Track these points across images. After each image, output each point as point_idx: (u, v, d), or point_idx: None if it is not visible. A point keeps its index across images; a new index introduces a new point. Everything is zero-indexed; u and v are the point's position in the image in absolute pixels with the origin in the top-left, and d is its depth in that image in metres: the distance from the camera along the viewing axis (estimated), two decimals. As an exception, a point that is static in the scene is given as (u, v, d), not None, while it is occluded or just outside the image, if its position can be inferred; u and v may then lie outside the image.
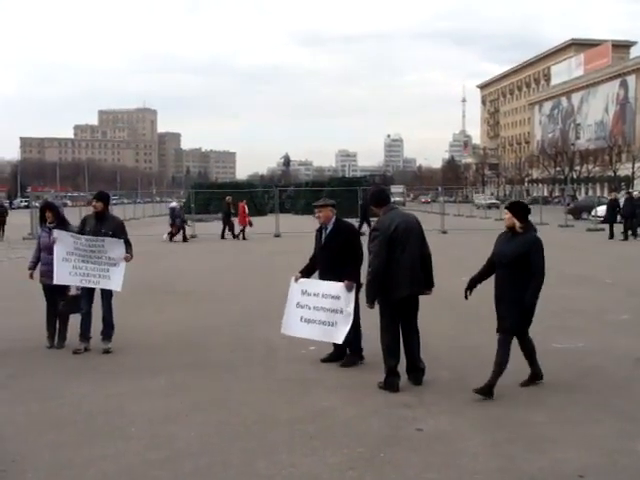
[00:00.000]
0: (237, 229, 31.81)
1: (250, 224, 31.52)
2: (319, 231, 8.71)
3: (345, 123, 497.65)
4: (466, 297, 7.55)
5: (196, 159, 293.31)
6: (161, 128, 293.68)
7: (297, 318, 8.48)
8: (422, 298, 7.75)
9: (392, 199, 8.67)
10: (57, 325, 9.66)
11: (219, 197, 51.84)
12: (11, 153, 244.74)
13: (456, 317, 11.33)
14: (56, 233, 9.41)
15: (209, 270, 19.50)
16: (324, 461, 5.56)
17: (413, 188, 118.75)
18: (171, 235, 30.55)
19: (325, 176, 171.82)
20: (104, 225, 9.34)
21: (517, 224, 7.20)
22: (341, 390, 7.54)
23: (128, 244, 9.43)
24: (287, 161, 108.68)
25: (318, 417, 6.66)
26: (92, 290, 9.44)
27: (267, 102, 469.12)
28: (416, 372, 7.71)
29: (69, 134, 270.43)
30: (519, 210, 7.27)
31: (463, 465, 5.46)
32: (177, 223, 30.70)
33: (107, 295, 9.37)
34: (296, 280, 8.61)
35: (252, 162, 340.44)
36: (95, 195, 9.73)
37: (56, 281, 9.36)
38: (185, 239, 30.82)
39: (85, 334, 9.39)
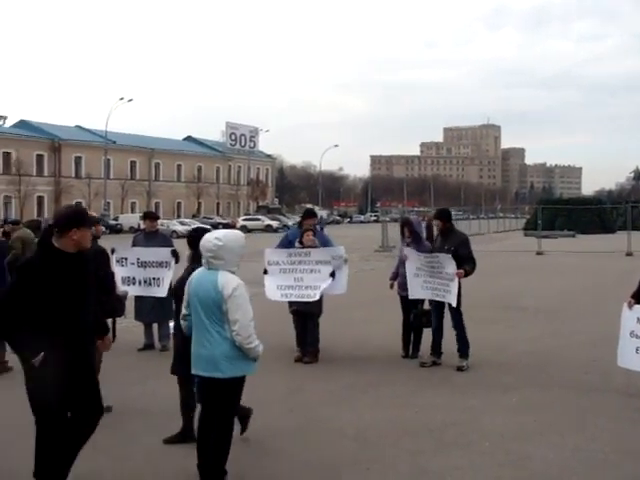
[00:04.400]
0: None
1: None
2: None
3: None
4: None
5: (540, 174, 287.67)
6: (505, 144, 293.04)
7: (632, 348, 7.66)
8: None
9: None
10: (411, 336, 10.00)
11: (564, 214, 50.76)
12: (362, 170, 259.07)
13: None
14: (406, 251, 9.81)
15: (557, 287, 18.93)
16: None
17: None
18: None
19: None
20: (448, 241, 9.48)
21: None
22: None
23: (470, 259, 9.42)
24: (638, 175, 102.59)
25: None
26: (442, 305, 9.59)
27: (616, 114, 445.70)
28: None
29: (415, 151, 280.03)
30: None
31: None
32: None
33: (455, 312, 9.47)
34: (630, 306, 7.76)
35: (598, 177, 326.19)
36: (435, 213, 9.98)
37: (411, 296, 9.75)
38: None
39: (436, 348, 9.59)
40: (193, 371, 5.35)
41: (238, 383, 5.33)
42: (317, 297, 9.54)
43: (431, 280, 9.43)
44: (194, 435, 5.88)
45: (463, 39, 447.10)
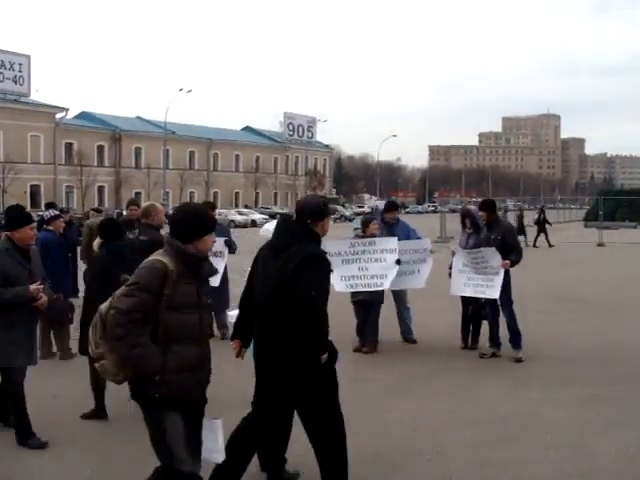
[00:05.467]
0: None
1: None
2: None
3: None
4: None
5: (600, 164, 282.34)
6: (565, 133, 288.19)
7: None
8: None
9: None
10: (470, 327, 9.96)
11: (625, 204, 49.70)
12: (420, 161, 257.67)
13: None
14: (453, 246, 9.81)
15: (619, 279, 18.53)
16: None
17: None
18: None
19: None
20: (494, 231, 9.40)
21: None
22: None
23: (516, 249, 9.36)
24: None
25: None
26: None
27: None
28: None
29: (474, 141, 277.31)
30: None
31: None
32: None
33: (505, 302, 9.40)
34: None
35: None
36: (480, 204, 9.91)
37: (452, 292, 9.79)
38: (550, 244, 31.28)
39: (494, 340, 9.54)
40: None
41: None
42: (386, 286, 9.55)
43: (475, 277, 9.40)
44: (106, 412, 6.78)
45: (523, 27, 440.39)
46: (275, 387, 4.82)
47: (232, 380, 7.08)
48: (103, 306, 4.22)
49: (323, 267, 4.80)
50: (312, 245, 4.84)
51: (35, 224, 6.48)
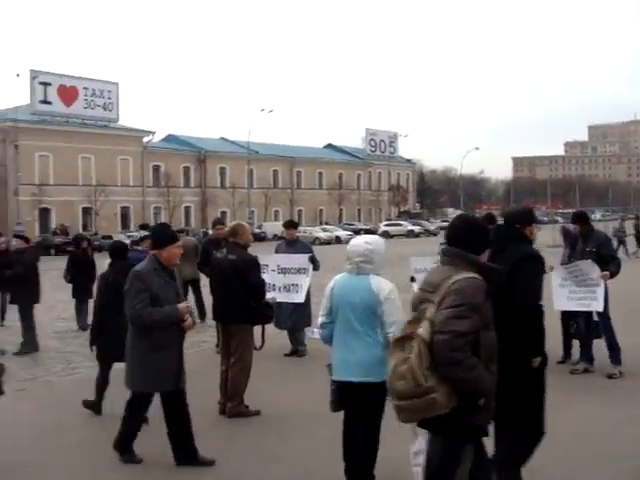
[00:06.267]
0: None
1: None
2: None
3: None
4: None
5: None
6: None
7: None
8: None
9: None
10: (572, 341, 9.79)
11: None
12: (504, 173, 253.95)
13: None
14: (553, 262, 9.73)
15: None
16: None
17: None
18: None
19: None
20: (589, 243, 9.21)
21: None
22: None
23: (614, 260, 9.20)
24: None
25: None
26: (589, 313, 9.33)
27: None
28: None
29: (558, 151, 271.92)
30: None
31: None
32: None
33: (602, 316, 9.16)
34: None
35: None
36: (572, 217, 9.81)
37: (556, 307, 9.52)
38: None
39: (587, 355, 9.34)
40: (338, 377, 5.40)
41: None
42: None
43: (577, 289, 9.19)
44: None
45: (607, 32, 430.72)
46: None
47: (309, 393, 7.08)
48: (422, 332, 3.91)
49: (538, 265, 5.02)
50: (524, 246, 5.09)
51: (180, 243, 6.40)
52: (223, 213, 73.64)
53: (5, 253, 14.53)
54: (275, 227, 55.25)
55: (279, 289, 10.50)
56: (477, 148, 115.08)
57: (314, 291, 10.70)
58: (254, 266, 7.91)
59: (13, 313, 12.60)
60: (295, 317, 10.54)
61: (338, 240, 61.52)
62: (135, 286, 5.92)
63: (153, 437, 6.35)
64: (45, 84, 66.20)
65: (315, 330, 7.93)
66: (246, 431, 7.11)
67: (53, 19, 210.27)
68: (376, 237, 5.62)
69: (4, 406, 7.22)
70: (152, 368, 5.89)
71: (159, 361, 5.89)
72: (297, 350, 10.77)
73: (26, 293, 11.75)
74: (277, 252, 11.06)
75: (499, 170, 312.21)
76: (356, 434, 5.44)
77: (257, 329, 7.91)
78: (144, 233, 10.54)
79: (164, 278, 6.01)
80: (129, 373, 6.10)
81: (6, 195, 63.05)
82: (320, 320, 5.60)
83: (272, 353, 9.76)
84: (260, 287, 7.80)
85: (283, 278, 10.48)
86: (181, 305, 6.02)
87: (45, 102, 66.40)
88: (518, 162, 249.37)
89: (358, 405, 5.38)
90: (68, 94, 67.85)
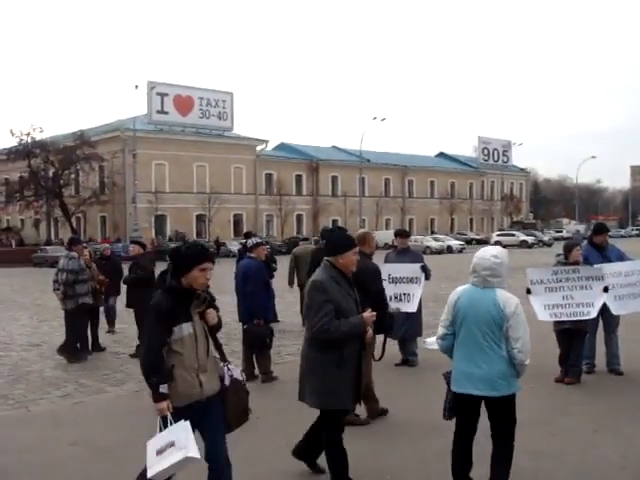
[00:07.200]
0: None
1: None
2: None
3: None
4: None
5: None
6: None
7: None
8: None
9: None
10: None
11: None
12: (621, 182, 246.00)
13: None
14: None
15: None
16: None
17: None
18: None
19: None
20: None
21: None
22: None
23: None
24: None
25: None
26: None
27: None
28: None
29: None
30: None
31: None
32: None
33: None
34: None
35: None
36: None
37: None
38: None
39: None
40: (459, 389, 5.33)
41: (512, 401, 5.31)
42: (593, 315, 9.24)
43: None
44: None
45: None
46: None
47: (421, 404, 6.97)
48: None
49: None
50: None
51: (357, 248, 5.84)
52: (335, 221, 74.11)
53: (109, 258, 15.04)
54: (386, 235, 55.09)
55: (390, 298, 10.40)
56: (593, 157, 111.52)
57: (427, 301, 10.57)
58: (375, 274, 7.72)
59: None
60: (407, 327, 10.43)
61: (450, 250, 60.93)
62: (317, 298, 5.49)
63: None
64: (162, 95, 68.35)
65: (428, 340, 7.82)
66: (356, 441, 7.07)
67: (170, 32, 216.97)
68: (502, 250, 5.45)
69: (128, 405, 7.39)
70: (333, 384, 5.48)
71: (340, 377, 5.49)
72: (408, 360, 10.67)
73: (142, 297, 12.05)
74: (387, 261, 10.94)
75: (616, 179, 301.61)
76: (467, 448, 5.41)
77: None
78: (256, 240, 10.58)
79: (345, 287, 5.62)
80: (310, 390, 5.66)
81: (124, 202, 65.41)
82: (440, 331, 5.51)
83: (383, 362, 9.68)
84: (381, 295, 7.66)
85: (394, 288, 10.34)
86: (366, 314, 5.59)
87: (162, 112, 68.62)
88: (637, 171, 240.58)
89: (474, 417, 5.35)
90: (184, 104, 69.87)
